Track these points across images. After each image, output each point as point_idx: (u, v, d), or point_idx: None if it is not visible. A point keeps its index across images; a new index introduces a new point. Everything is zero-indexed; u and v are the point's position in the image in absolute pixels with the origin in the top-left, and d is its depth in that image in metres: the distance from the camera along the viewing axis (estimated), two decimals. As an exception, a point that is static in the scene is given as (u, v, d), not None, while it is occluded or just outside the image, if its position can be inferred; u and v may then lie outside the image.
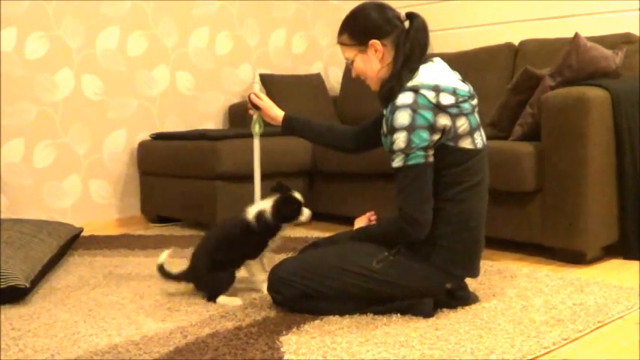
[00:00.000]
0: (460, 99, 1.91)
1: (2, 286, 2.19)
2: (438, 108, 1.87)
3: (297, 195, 2.28)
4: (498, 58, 3.56)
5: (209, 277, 2.21)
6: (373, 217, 2.28)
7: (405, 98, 1.88)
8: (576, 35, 2.70)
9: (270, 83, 4.06)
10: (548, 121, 2.59)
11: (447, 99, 1.88)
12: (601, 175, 2.58)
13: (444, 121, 1.87)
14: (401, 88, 1.91)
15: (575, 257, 2.60)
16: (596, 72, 2.69)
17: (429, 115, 1.86)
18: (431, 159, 1.89)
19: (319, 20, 4.71)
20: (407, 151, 1.86)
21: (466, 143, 1.92)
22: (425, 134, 1.86)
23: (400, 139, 1.87)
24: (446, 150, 1.90)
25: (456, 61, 2.96)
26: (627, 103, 2.64)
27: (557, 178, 2.59)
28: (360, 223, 2.26)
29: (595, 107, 2.52)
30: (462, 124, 1.91)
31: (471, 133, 1.93)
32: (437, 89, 1.88)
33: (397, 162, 1.90)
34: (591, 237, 2.56)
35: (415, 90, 1.88)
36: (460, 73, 2.06)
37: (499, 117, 2.94)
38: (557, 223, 2.60)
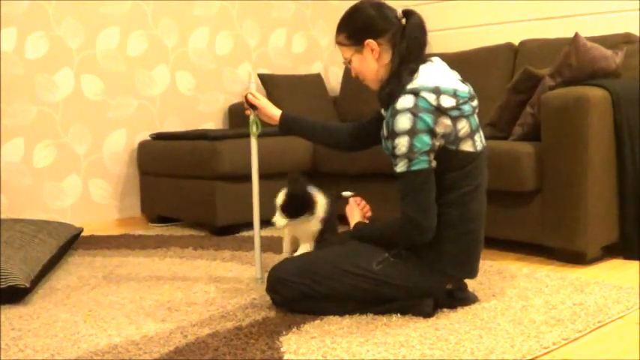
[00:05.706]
0: (461, 101, 1.89)
1: (2, 286, 2.19)
2: (439, 111, 1.85)
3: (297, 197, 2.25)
4: (498, 58, 3.55)
5: None
6: (362, 204, 2.25)
7: (405, 102, 1.86)
8: (576, 35, 2.70)
9: (270, 83, 4.06)
10: (548, 121, 2.59)
11: (447, 101, 1.87)
12: (601, 175, 2.58)
13: (444, 123, 1.86)
14: (401, 91, 1.89)
15: (575, 257, 2.60)
16: (596, 72, 2.69)
17: (429, 118, 1.84)
18: (434, 164, 1.87)
19: (319, 20, 4.71)
20: (410, 156, 1.84)
21: (467, 146, 1.91)
22: (426, 138, 1.84)
23: (402, 144, 1.85)
24: (447, 153, 1.89)
25: (456, 61, 2.95)
26: (627, 103, 2.64)
27: (557, 178, 2.59)
28: (353, 214, 2.22)
29: (595, 107, 2.52)
30: (463, 126, 1.89)
31: (471, 135, 1.92)
32: (437, 91, 1.86)
33: (400, 167, 1.88)
34: (591, 237, 2.56)
35: (416, 93, 1.86)
36: (460, 73, 2.05)
37: (499, 117, 2.94)
38: (557, 223, 2.60)
